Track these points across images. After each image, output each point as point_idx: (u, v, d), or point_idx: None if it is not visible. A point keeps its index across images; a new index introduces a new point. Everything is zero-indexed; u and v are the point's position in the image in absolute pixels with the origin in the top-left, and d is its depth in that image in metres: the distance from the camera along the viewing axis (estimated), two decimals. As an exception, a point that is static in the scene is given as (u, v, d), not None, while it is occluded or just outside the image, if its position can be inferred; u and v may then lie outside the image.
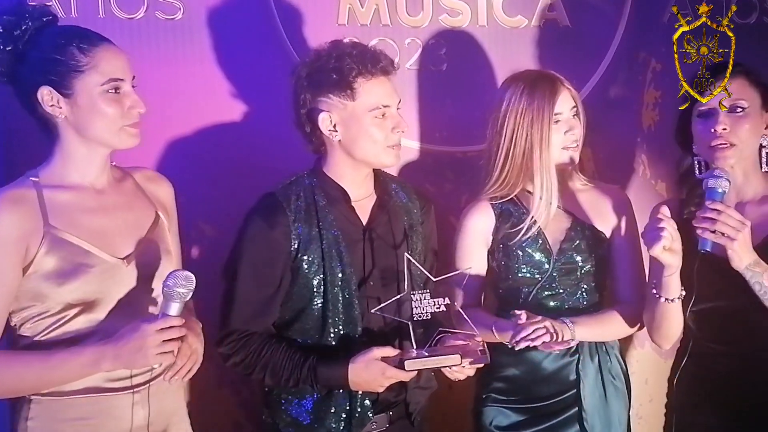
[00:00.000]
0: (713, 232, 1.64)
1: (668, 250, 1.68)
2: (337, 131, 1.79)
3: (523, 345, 1.72)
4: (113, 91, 1.54)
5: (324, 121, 1.79)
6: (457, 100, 2.26)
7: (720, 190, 1.68)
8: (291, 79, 1.84)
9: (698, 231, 1.66)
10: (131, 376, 1.57)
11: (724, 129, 1.73)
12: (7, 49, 1.53)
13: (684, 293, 1.78)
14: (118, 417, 1.58)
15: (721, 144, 1.74)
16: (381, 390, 1.74)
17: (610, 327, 1.93)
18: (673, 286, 1.75)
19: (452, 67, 2.25)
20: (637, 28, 2.25)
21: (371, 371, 1.70)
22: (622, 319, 1.92)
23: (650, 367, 2.36)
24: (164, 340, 1.48)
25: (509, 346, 1.77)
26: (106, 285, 1.55)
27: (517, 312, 1.78)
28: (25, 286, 1.51)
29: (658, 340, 1.88)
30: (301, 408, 1.82)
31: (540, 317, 1.77)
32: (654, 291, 1.78)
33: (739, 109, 1.74)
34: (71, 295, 1.52)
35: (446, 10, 2.23)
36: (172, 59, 2.12)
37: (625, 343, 2.35)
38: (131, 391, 1.58)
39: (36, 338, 1.54)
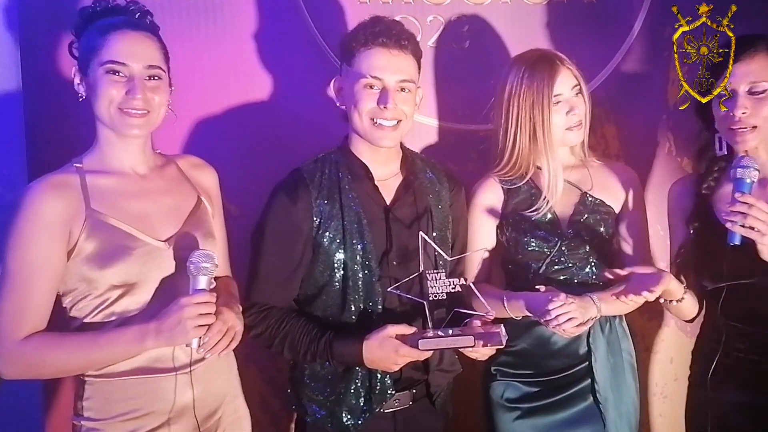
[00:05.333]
0: (743, 225, 1.60)
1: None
2: (341, 97, 1.83)
3: (554, 324, 1.74)
4: (112, 73, 1.57)
5: (333, 84, 1.84)
6: (480, 78, 2.23)
7: (749, 181, 1.63)
8: None
9: (727, 224, 1.62)
10: (173, 359, 1.61)
11: (744, 113, 1.69)
12: (77, 34, 1.64)
13: (684, 283, 1.81)
14: (164, 397, 1.61)
15: (740, 128, 1.69)
16: (395, 369, 1.74)
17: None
18: (675, 291, 1.80)
19: (474, 45, 2.24)
20: (663, 2, 2.21)
21: (385, 349, 1.70)
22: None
23: (675, 345, 2.34)
24: (201, 314, 1.52)
25: (518, 319, 1.81)
26: (148, 267, 1.59)
27: (542, 287, 1.79)
28: (71, 269, 1.56)
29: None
30: (323, 384, 1.84)
31: (565, 296, 1.76)
32: (661, 300, 1.83)
33: (761, 91, 1.69)
34: (114, 276, 1.56)
35: (469, -14, 2.21)
36: (195, 37, 2.13)
37: (650, 322, 2.35)
38: (176, 372, 1.62)
39: (85, 320, 1.59)
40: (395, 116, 1.78)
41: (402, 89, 1.78)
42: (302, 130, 2.15)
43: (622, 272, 1.76)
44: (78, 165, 1.61)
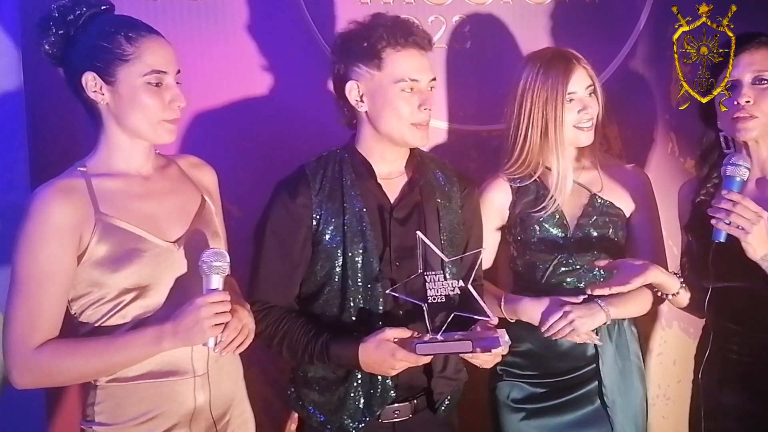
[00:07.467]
0: (728, 222, 1.60)
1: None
2: (363, 102, 1.78)
3: (549, 334, 1.75)
4: (155, 83, 1.55)
5: (351, 90, 1.78)
6: (482, 79, 2.23)
7: (738, 179, 1.63)
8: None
9: (713, 221, 1.62)
10: (186, 362, 1.60)
11: (747, 101, 1.69)
12: (59, 32, 1.55)
13: (682, 278, 1.81)
14: (179, 401, 1.59)
15: (743, 116, 1.69)
16: (392, 373, 1.71)
17: (637, 304, 1.92)
18: (668, 285, 1.79)
19: (476, 45, 2.23)
20: (665, 2, 2.20)
21: (381, 352, 1.67)
22: (644, 296, 1.91)
23: (678, 347, 2.33)
24: (216, 313, 1.51)
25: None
26: (160, 269, 1.57)
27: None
28: (81, 274, 1.53)
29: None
30: (324, 386, 1.82)
31: (563, 311, 1.76)
32: (658, 293, 1.83)
33: (763, 81, 1.69)
34: (126, 280, 1.54)
35: (470, -14, 2.20)
36: (196, 38, 2.13)
37: (653, 323, 2.33)
38: (191, 375, 1.61)
39: (96, 325, 1.56)
40: (431, 115, 1.79)
41: (431, 88, 1.79)
42: (303, 129, 2.14)
43: (610, 263, 1.78)
44: (82, 169, 1.58)
